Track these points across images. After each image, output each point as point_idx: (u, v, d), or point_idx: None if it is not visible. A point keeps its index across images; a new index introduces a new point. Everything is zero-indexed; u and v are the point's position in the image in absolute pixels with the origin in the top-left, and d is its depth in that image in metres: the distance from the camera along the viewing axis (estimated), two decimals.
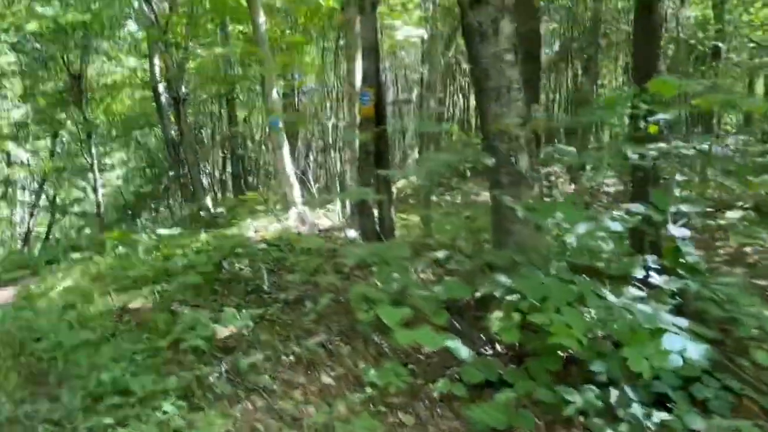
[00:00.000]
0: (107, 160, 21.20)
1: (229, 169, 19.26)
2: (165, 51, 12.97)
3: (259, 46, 8.46)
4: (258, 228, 8.39)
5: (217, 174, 19.53)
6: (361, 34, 6.62)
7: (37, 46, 14.54)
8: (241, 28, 15.12)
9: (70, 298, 5.57)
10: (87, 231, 22.32)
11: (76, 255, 8.23)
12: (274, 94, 8.76)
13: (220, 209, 11.31)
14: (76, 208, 23.63)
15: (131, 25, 18.41)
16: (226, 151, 17.58)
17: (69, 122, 16.54)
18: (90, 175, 22.79)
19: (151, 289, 5.48)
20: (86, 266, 7.58)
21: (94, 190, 15.89)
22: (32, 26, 15.26)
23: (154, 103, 17.66)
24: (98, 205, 15.78)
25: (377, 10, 6.72)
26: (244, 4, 9.03)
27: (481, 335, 4.11)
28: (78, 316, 4.95)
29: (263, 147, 18.31)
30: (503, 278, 3.95)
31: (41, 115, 17.16)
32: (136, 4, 13.86)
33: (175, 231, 8.24)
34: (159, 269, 6.09)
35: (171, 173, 14.92)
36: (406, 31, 9.20)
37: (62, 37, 14.96)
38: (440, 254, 4.98)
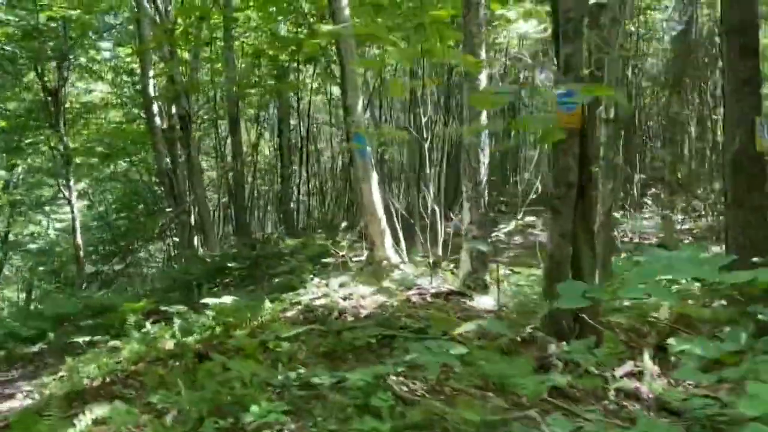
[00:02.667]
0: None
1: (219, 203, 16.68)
2: (170, 57, 10.43)
3: (341, 37, 6.09)
4: (348, 293, 5.87)
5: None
6: (562, 0, 4.29)
7: (8, 48, 11.81)
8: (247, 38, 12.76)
9: None
10: (41, 268, 19.48)
11: (81, 338, 5.54)
12: (359, 105, 6.36)
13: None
14: (33, 246, 20.83)
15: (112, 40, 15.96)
16: (229, 184, 14.89)
17: (41, 146, 13.72)
18: (48, 208, 19.97)
19: None
20: (105, 361, 4.96)
21: (72, 228, 13.05)
22: None
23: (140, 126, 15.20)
24: (77, 248, 12.90)
25: None
26: None
27: None
28: None
29: (279, 178, 15.79)
30: None
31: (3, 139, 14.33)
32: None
33: (228, 300, 5.65)
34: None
35: (169, 209, 12.23)
36: (524, 25, 6.83)
37: (34, 45, 12.32)
38: None
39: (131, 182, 16.35)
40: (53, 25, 12.84)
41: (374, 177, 6.38)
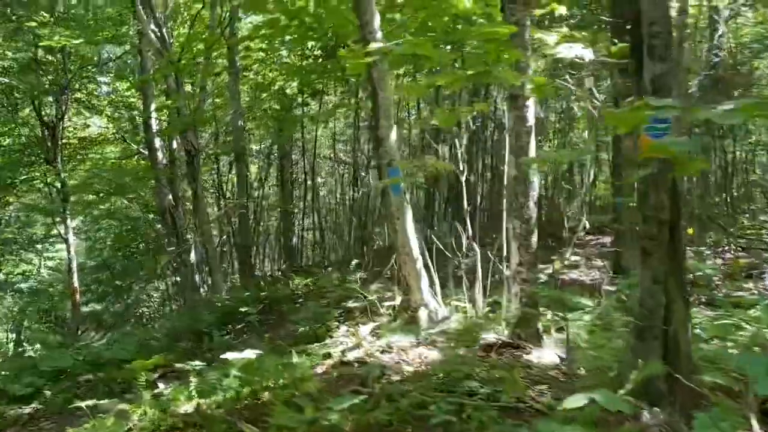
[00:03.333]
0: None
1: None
2: (176, 89, 9.90)
3: (374, 60, 5.56)
4: (386, 345, 5.20)
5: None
6: (646, 13, 3.76)
7: (5, 80, 11.26)
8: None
9: None
10: (30, 309, 18.74)
11: (84, 402, 4.83)
12: (393, 136, 5.79)
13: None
14: (24, 285, 20.11)
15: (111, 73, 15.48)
16: (232, 222, 14.23)
17: (36, 183, 13.08)
18: (39, 246, 19.24)
19: None
20: (113, 429, 4.27)
21: (68, 268, 12.33)
22: None
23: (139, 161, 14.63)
24: (74, 290, 12.16)
25: None
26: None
27: None
28: None
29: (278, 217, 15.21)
30: None
31: None
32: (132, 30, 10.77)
33: (251, 354, 4.96)
34: None
35: (171, 248, 11.55)
36: (569, 48, 6.23)
37: (32, 78, 11.81)
38: None
39: (130, 220, 15.69)
40: (51, 58, 12.38)
41: (409, 214, 5.78)
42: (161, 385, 4.87)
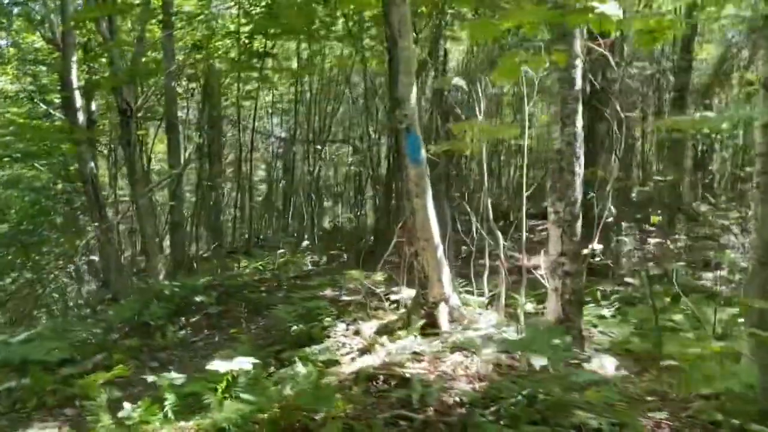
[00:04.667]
0: None
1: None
2: (111, 37, 8.36)
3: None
4: (410, 351, 4.20)
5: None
6: None
7: None
8: None
9: None
10: None
11: None
12: (413, 96, 4.74)
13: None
14: None
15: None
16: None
17: None
18: None
19: None
20: None
21: None
22: None
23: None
24: None
25: None
26: None
27: None
28: None
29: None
30: None
31: None
32: None
33: (247, 364, 3.81)
34: None
35: (96, 224, 9.96)
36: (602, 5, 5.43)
37: None
38: None
39: (36, 190, 13.71)
40: None
41: (429, 191, 4.79)
42: (126, 405, 3.66)
